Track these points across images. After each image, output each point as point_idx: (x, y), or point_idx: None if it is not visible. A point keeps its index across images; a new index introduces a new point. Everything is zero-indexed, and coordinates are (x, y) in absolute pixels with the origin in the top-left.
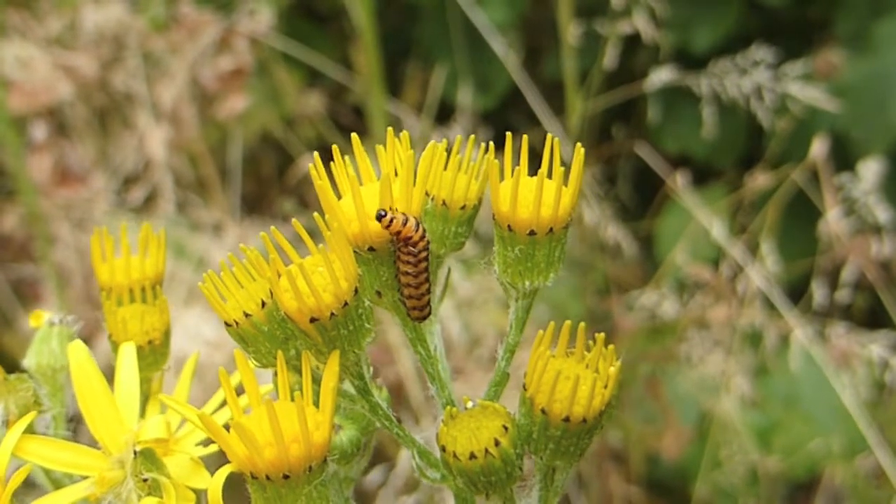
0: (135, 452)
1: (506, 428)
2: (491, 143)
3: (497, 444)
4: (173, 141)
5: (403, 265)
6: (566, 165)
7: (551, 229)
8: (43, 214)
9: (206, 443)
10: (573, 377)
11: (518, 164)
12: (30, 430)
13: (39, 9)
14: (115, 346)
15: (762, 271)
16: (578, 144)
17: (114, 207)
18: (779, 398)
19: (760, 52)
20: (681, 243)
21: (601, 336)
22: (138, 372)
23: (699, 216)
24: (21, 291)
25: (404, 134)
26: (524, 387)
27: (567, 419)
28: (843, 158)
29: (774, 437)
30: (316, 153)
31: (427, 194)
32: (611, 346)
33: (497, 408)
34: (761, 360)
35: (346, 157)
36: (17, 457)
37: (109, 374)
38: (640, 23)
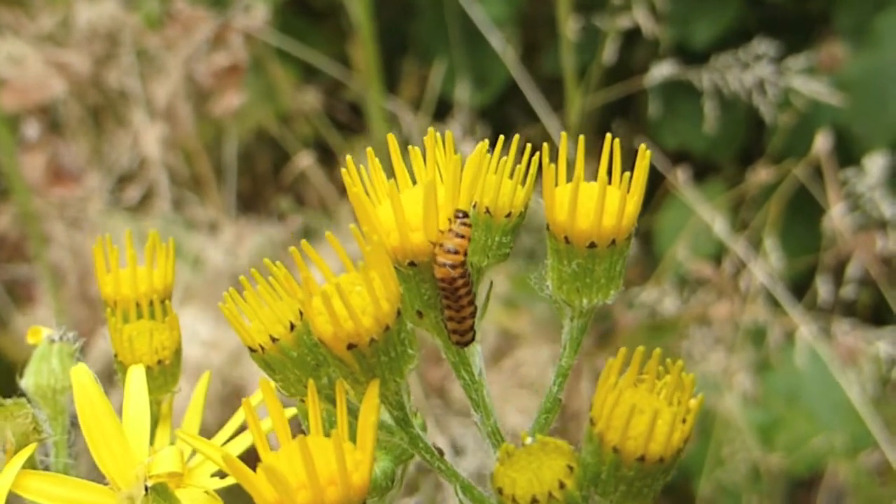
0: (146, 488)
1: (571, 468)
2: (545, 144)
3: (562, 486)
4: (168, 138)
5: (441, 291)
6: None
7: (613, 241)
8: (36, 214)
9: (223, 474)
10: (649, 411)
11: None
12: (29, 461)
13: (32, 5)
14: (122, 368)
15: (765, 267)
16: (643, 146)
17: (109, 206)
18: (781, 395)
19: (762, 46)
20: (681, 239)
21: (679, 363)
22: (149, 397)
23: (700, 212)
24: (15, 292)
25: (448, 134)
26: (591, 421)
27: (642, 458)
28: (847, 153)
29: (777, 434)
30: (349, 157)
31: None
32: (690, 376)
33: (559, 444)
34: (763, 357)
35: (374, 162)
36: (17, 494)
37: (108, 384)
38: (639, 17)
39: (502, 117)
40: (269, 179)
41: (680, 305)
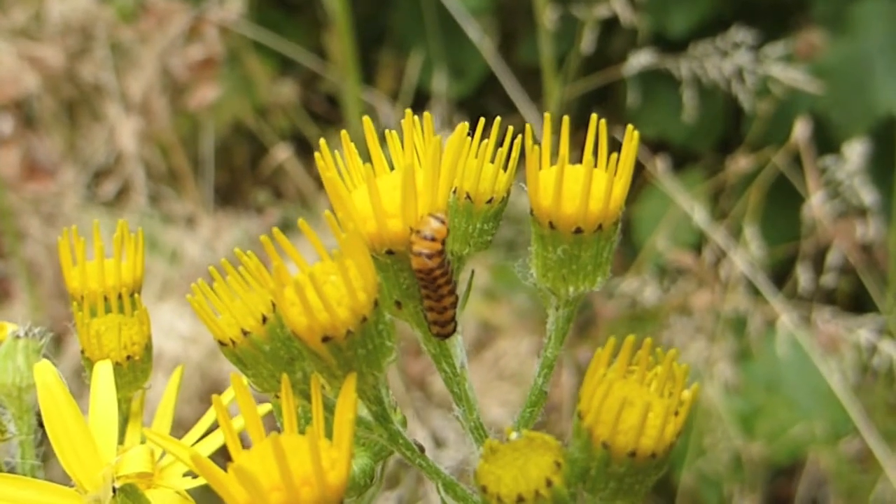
0: (114, 489)
1: (558, 464)
2: (527, 126)
3: (549, 483)
4: (144, 132)
5: (419, 281)
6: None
7: (600, 226)
8: (11, 210)
9: (195, 473)
10: (640, 404)
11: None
12: None
13: (3, 0)
14: (89, 364)
15: (745, 256)
16: (630, 126)
17: (84, 201)
18: (761, 384)
19: (740, 34)
20: (661, 229)
21: (671, 353)
22: (116, 394)
23: (680, 201)
24: None
25: (427, 116)
26: (579, 415)
27: (633, 454)
28: (826, 140)
29: (758, 422)
30: (323, 142)
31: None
32: (683, 366)
33: (546, 440)
34: (744, 345)
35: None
36: None
37: (80, 383)
38: (617, 6)
39: (480, 108)
40: (246, 173)
41: (660, 295)
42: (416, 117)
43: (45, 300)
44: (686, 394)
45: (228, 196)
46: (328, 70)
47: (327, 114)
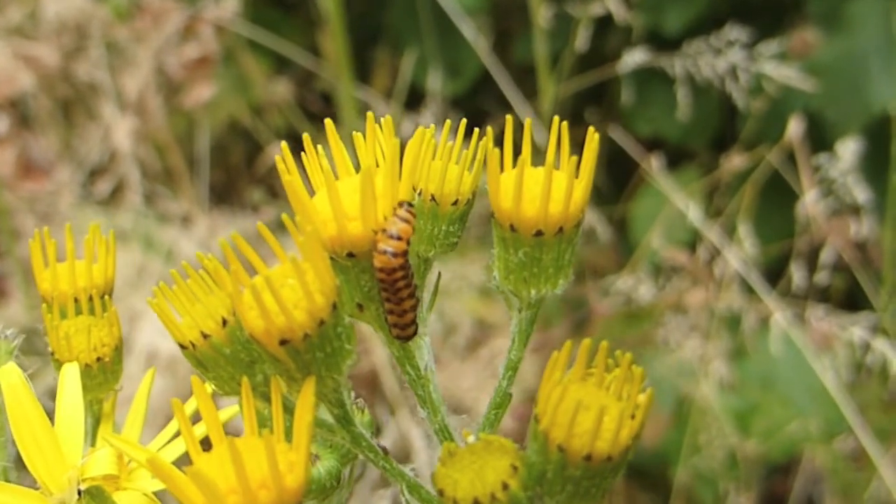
0: (79, 492)
1: (515, 468)
2: (489, 129)
3: (505, 487)
4: (139, 131)
5: (379, 283)
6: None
7: (561, 228)
8: (7, 208)
9: None
10: (596, 407)
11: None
12: None
13: None
14: (58, 366)
15: (740, 254)
16: (591, 129)
17: (80, 200)
18: (756, 381)
19: (734, 32)
20: (656, 227)
21: (628, 356)
22: (83, 396)
23: (674, 199)
24: None
25: (387, 119)
26: (535, 418)
27: (589, 457)
28: (819, 138)
29: (753, 420)
30: (284, 143)
31: (413, 188)
32: (639, 370)
33: (503, 443)
34: (738, 343)
35: (320, 147)
36: None
37: None
38: (611, 4)
39: (475, 106)
40: (242, 171)
41: (655, 293)
42: (381, 118)
43: (41, 298)
44: (642, 397)
45: (224, 195)
46: (323, 68)
47: (322, 112)
